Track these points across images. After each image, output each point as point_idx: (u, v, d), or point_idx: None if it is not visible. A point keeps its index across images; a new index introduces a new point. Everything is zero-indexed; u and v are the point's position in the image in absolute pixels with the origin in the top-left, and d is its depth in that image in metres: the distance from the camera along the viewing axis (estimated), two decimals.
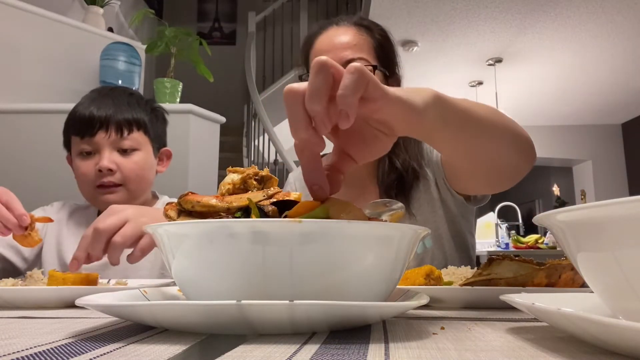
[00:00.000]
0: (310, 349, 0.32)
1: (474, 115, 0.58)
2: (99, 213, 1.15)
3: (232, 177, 0.50)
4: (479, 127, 0.60)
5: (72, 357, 0.30)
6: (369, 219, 0.47)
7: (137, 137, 1.08)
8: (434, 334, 0.38)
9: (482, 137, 0.62)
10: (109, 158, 1.03)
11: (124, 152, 1.06)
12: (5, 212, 0.75)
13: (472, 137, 0.61)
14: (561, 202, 7.23)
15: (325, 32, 1.01)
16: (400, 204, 0.76)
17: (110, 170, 1.03)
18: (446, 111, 0.52)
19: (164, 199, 1.21)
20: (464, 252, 1.04)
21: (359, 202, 1.03)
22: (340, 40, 0.97)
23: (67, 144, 1.11)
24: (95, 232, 0.72)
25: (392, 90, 0.45)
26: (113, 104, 1.06)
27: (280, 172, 4.53)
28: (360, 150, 0.49)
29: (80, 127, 1.05)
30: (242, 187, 0.50)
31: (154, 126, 1.13)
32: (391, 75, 1.02)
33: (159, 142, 1.16)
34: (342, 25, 1.00)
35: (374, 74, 0.95)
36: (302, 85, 0.42)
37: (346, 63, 0.95)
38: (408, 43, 4.41)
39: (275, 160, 4.80)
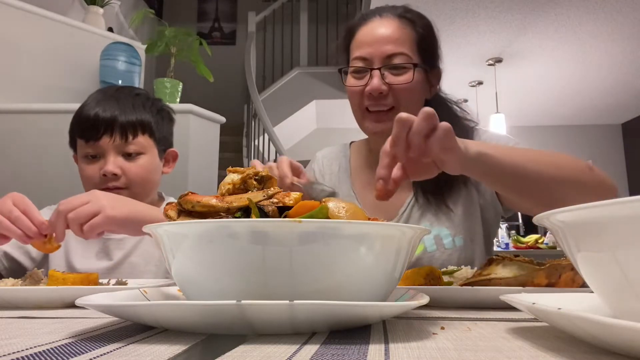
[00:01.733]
0: (310, 349, 0.32)
1: (520, 170, 0.70)
2: None
3: (232, 177, 0.50)
4: (525, 180, 0.72)
5: (72, 357, 0.30)
6: (369, 218, 0.47)
7: (142, 141, 1.07)
8: (434, 334, 0.38)
9: (530, 187, 0.73)
10: (114, 163, 1.03)
11: (128, 156, 1.05)
12: (26, 221, 0.76)
13: (517, 188, 0.74)
14: None
15: (367, 24, 0.99)
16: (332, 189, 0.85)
17: (115, 175, 1.03)
18: (487, 167, 0.68)
19: (169, 200, 1.21)
20: (489, 254, 1.04)
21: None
22: (382, 33, 0.96)
23: (73, 144, 1.11)
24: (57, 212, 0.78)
25: (450, 142, 0.62)
26: (118, 106, 1.05)
27: None
28: (415, 172, 0.67)
29: (85, 131, 1.04)
30: (242, 187, 0.50)
31: (160, 128, 1.12)
32: (432, 68, 1.01)
33: (164, 143, 1.15)
34: (385, 17, 0.98)
35: (413, 72, 0.94)
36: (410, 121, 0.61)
37: (387, 58, 0.94)
38: None
39: (275, 160, 4.79)
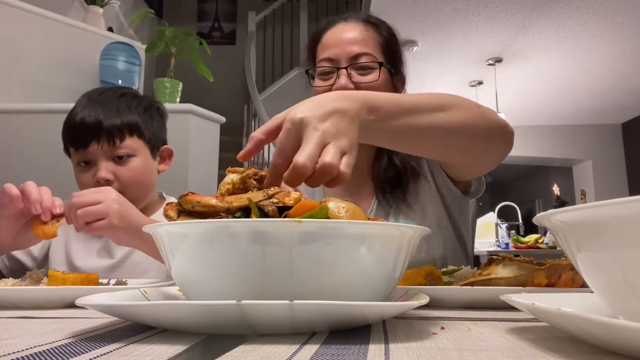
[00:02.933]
0: (310, 349, 0.32)
1: (412, 116, 0.63)
2: None
3: (232, 177, 0.50)
4: (417, 129, 0.65)
5: (72, 357, 0.30)
6: (369, 218, 0.47)
7: (130, 144, 1.06)
8: (434, 334, 0.38)
9: (424, 136, 0.68)
10: (105, 169, 1.02)
11: (119, 159, 1.04)
12: (45, 195, 0.82)
13: (412, 137, 0.67)
14: (561, 202, 7.22)
15: (333, 28, 1.02)
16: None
17: (108, 180, 1.02)
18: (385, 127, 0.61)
19: (170, 200, 1.20)
20: (462, 245, 1.06)
21: (354, 198, 1.03)
22: (347, 35, 0.98)
23: (67, 151, 1.10)
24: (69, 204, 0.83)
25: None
26: (102, 111, 1.04)
27: None
28: None
29: (73, 139, 1.04)
30: (242, 187, 0.50)
31: (149, 127, 1.10)
32: (397, 73, 1.03)
33: (156, 141, 1.13)
34: (350, 22, 1.02)
35: (379, 70, 0.97)
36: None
37: (352, 58, 0.96)
38: (408, 43, 4.41)
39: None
